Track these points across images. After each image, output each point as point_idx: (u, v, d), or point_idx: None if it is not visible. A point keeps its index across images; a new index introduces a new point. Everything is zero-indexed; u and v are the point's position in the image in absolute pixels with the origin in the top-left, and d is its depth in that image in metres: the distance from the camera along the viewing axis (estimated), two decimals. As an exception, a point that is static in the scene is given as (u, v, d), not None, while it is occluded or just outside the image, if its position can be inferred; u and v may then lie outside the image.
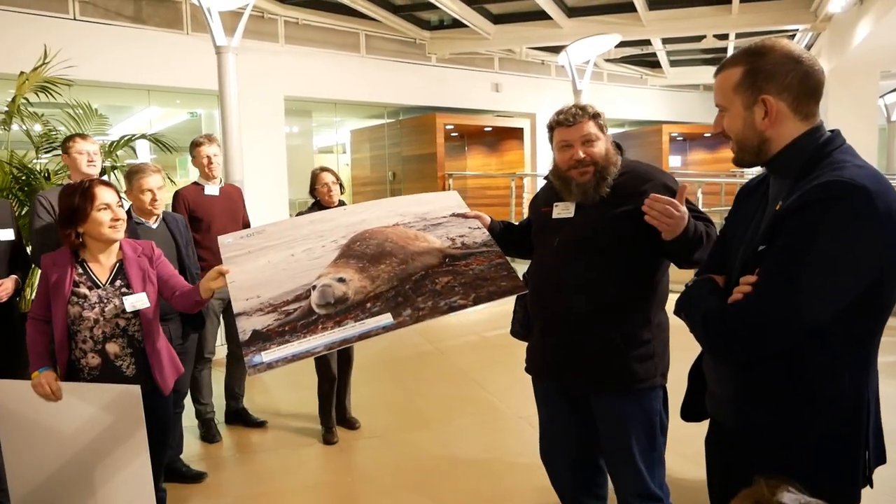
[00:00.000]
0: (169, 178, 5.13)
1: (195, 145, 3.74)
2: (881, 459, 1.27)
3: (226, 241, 2.26)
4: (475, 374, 4.94)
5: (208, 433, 3.73)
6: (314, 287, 2.06)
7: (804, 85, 1.26)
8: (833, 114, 9.34)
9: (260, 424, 3.93)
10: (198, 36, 7.45)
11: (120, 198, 2.26)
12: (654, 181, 2.02)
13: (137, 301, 2.22)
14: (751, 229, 1.37)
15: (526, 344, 2.27)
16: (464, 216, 2.34)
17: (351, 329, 1.97)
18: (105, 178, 3.43)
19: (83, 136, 3.24)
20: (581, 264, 1.99)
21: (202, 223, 3.66)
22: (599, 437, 2.12)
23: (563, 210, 2.09)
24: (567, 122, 2.03)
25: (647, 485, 2.03)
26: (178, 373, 2.42)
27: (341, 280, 2.08)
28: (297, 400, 4.28)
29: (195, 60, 7.20)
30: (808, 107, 1.28)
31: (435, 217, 2.35)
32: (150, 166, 3.04)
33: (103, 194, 2.19)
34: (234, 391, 3.97)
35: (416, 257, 2.19)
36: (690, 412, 1.56)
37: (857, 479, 1.22)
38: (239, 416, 3.96)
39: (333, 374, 3.73)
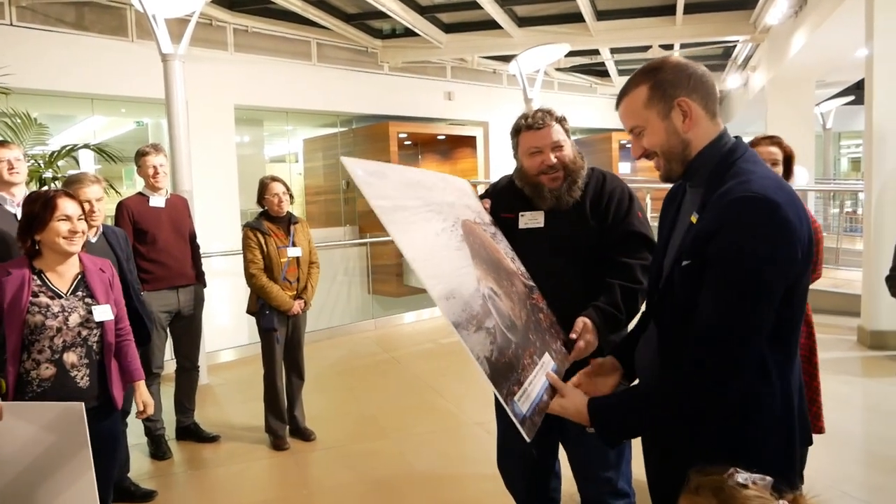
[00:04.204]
0: (114, 188, 5.01)
1: (140, 155, 3.64)
2: (808, 441, 1.36)
3: (360, 174, 1.40)
4: (432, 382, 4.94)
5: (158, 450, 3.62)
6: (485, 297, 1.44)
7: (705, 84, 1.33)
8: (772, 122, 9.71)
9: (212, 439, 3.84)
10: (143, 43, 7.27)
11: (83, 212, 2.23)
12: (617, 186, 2.04)
13: (104, 312, 2.22)
14: (671, 238, 1.42)
15: None
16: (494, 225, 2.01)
17: (542, 369, 1.45)
18: (45, 188, 3.31)
19: (1, 143, 3.11)
20: (555, 275, 1.92)
21: (147, 235, 3.57)
22: (567, 444, 2.13)
23: (530, 220, 2.03)
24: (536, 126, 1.98)
25: (617, 482, 2.06)
26: (125, 388, 2.39)
27: (495, 294, 1.51)
28: (250, 412, 4.20)
29: (141, 68, 7.01)
30: (713, 104, 1.35)
31: (485, 220, 1.96)
32: (88, 176, 2.95)
33: (65, 205, 2.16)
34: (184, 406, 3.88)
35: (509, 277, 1.71)
36: None
37: (794, 463, 1.29)
38: (190, 432, 3.86)
39: (277, 382, 3.73)
